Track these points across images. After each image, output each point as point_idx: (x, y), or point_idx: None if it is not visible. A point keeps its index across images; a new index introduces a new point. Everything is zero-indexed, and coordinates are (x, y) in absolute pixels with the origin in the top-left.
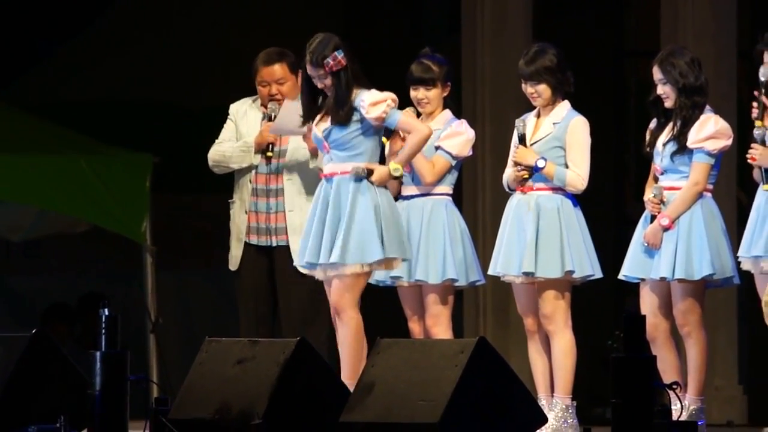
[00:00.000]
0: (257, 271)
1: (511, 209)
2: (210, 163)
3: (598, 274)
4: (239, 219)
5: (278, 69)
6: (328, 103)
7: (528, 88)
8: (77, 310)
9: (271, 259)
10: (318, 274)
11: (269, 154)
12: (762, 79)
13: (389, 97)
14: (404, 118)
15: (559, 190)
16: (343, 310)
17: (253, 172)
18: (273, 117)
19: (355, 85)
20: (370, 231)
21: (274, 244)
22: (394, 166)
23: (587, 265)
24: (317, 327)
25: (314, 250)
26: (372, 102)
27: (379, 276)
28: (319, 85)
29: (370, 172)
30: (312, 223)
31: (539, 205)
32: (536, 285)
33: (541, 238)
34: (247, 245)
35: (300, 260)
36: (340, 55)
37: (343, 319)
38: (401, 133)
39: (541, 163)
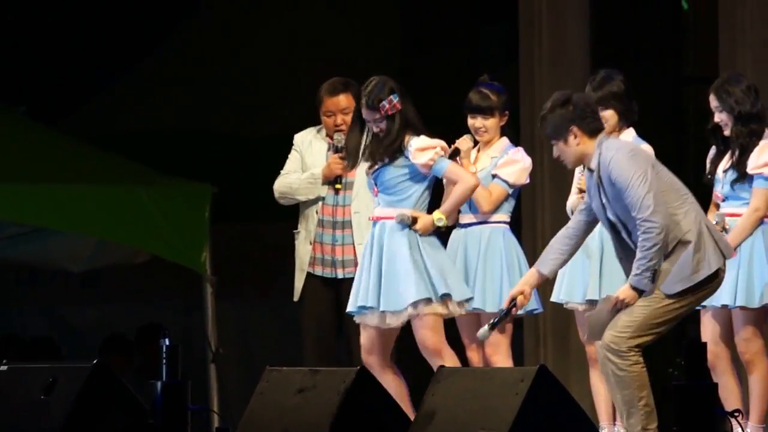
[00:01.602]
0: (322, 302)
1: None
2: (276, 194)
3: None
4: (303, 250)
5: (343, 99)
6: (377, 144)
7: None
8: (136, 341)
9: (338, 291)
10: (370, 321)
11: (338, 186)
12: None
13: (438, 144)
14: (452, 167)
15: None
16: (439, 353)
17: (320, 203)
18: (339, 148)
19: (411, 130)
20: (411, 274)
21: (341, 276)
22: (438, 216)
23: None
24: None
25: (363, 295)
26: (419, 147)
27: None
28: (375, 129)
29: (414, 220)
30: (361, 268)
31: (603, 232)
32: None
33: (605, 265)
34: (309, 276)
35: (352, 307)
36: (395, 99)
37: (445, 359)
38: (459, 161)
39: None
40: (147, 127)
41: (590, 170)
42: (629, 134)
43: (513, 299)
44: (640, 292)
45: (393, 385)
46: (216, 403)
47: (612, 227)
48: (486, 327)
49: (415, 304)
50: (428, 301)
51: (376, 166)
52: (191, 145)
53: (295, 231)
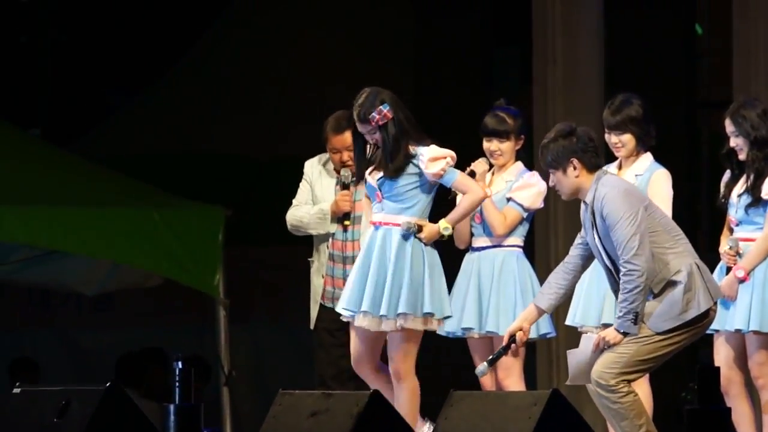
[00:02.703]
0: (333, 331)
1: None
2: (289, 226)
3: None
4: (316, 282)
5: (348, 136)
6: (378, 155)
7: (612, 138)
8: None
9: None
10: (359, 322)
11: (347, 222)
12: None
13: (449, 154)
14: (461, 178)
15: None
16: (405, 377)
17: (330, 238)
18: (346, 184)
19: (407, 137)
20: (417, 284)
21: None
22: (444, 225)
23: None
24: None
25: (358, 298)
26: (432, 158)
27: (450, 328)
28: (371, 141)
29: (419, 229)
30: (357, 271)
31: None
32: None
33: None
34: (322, 307)
35: (344, 307)
36: (385, 109)
37: (403, 385)
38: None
39: None
40: (160, 150)
41: (585, 204)
42: (647, 159)
43: (512, 336)
44: (624, 334)
45: (388, 387)
46: (229, 426)
47: (604, 262)
48: (485, 363)
49: (404, 315)
50: (414, 315)
51: (382, 175)
52: (204, 167)
53: (309, 259)
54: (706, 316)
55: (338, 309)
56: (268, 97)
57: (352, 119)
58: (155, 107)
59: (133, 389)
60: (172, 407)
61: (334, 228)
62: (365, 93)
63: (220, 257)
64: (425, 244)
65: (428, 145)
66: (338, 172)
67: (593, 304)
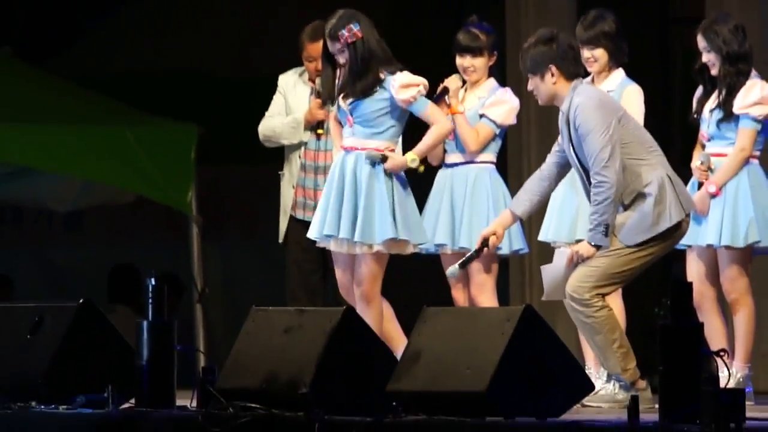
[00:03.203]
0: (305, 245)
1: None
2: (260, 137)
3: None
4: (287, 193)
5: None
6: (349, 78)
7: (585, 53)
8: (110, 281)
9: None
10: (333, 246)
11: (320, 131)
12: None
13: (421, 82)
14: (430, 108)
15: None
16: (372, 299)
17: (303, 147)
18: (320, 92)
19: (377, 60)
20: (385, 212)
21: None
22: (411, 157)
23: None
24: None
25: (333, 224)
26: (403, 84)
27: (423, 244)
28: (340, 61)
29: (384, 159)
30: (329, 195)
31: None
32: None
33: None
34: (293, 219)
35: (317, 233)
36: (356, 28)
37: (371, 308)
38: (447, 100)
39: None
40: (133, 68)
41: (561, 111)
42: (619, 75)
43: (485, 239)
44: (596, 247)
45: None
46: (202, 343)
47: (579, 171)
48: (456, 265)
49: (385, 242)
50: (391, 239)
51: (352, 98)
52: (177, 86)
53: (280, 173)
54: (678, 228)
55: (310, 235)
56: (241, 16)
57: None
58: (129, 25)
59: (124, 305)
60: (145, 323)
61: (307, 137)
62: (339, 12)
63: (193, 174)
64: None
65: (401, 71)
66: (313, 81)
67: (566, 219)
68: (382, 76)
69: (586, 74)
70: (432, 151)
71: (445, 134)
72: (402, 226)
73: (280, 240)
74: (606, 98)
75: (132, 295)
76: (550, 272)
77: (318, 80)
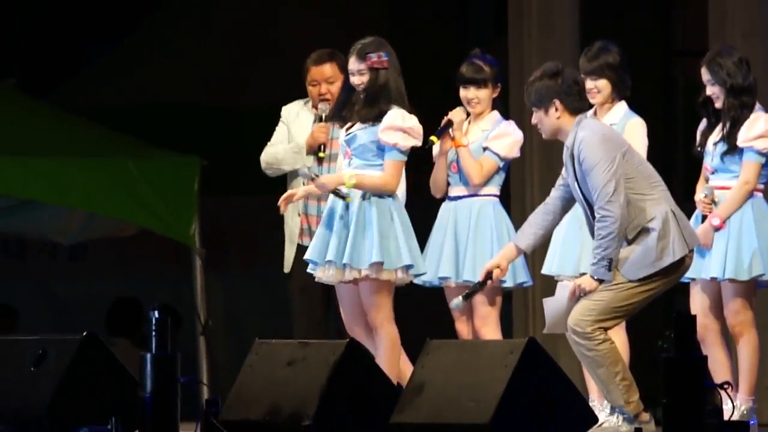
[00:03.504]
0: (311, 274)
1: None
2: (262, 165)
3: None
4: (292, 221)
5: (328, 68)
6: (359, 104)
7: (588, 83)
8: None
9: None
10: (320, 273)
11: (321, 155)
12: None
13: (413, 133)
14: (392, 165)
15: None
16: (381, 327)
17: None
18: (323, 117)
19: (391, 95)
20: (388, 236)
21: None
22: (349, 174)
23: None
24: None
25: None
26: (391, 125)
27: (427, 277)
28: (356, 81)
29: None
30: (323, 226)
31: None
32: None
33: None
34: (300, 247)
35: (318, 258)
36: (385, 57)
37: (381, 334)
38: (451, 132)
39: None
40: (136, 100)
41: (566, 146)
42: (621, 107)
43: (489, 273)
44: (599, 281)
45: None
46: (206, 375)
47: (583, 205)
48: (459, 297)
49: (375, 265)
50: (386, 265)
51: (353, 129)
52: (180, 117)
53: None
54: (682, 264)
55: (306, 258)
56: (244, 47)
57: (333, 54)
58: (131, 58)
59: (125, 338)
60: (148, 356)
61: (310, 162)
62: (372, 37)
63: (196, 207)
64: (362, 198)
65: (405, 111)
66: (316, 107)
67: (570, 253)
68: (384, 107)
69: (590, 107)
70: (362, 189)
71: (383, 190)
72: (407, 253)
73: (286, 269)
74: (610, 133)
75: (132, 327)
76: (552, 305)
77: (320, 105)
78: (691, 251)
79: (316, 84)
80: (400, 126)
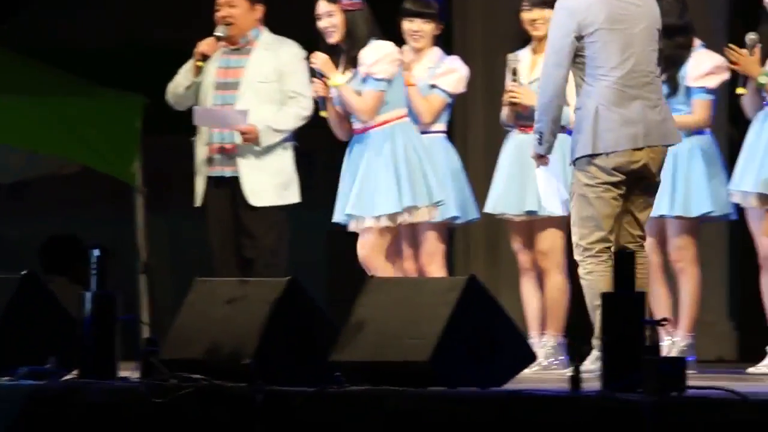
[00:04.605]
0: (224, 203)
1: (511, 148)
2: (167, 97)
3: None
4: (200, 152)
5: None
6: (343, 51)
7: (534, 14)
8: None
9: (233, 189)
10: (356, 226)
11: (199, 64)
12: None
13: (393, 61)
14: (372, 94)
15: (562, 128)
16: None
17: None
18: (220, 37)
19: (369, 35)
20: (387, 183)
21: (228, 175)
22: (341, 78)
23: None
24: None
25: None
26: (379, 60)
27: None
28: (323, 24)
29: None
30: (344, 179)
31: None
32: (535, 222)
33: (545, 175)
34: (209, 179)
35: (340, 216)
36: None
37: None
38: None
39: None
40: (78, 40)
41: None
42: None
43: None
44: (537, 156)
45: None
46: (146, 314)
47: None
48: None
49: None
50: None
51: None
52: (125, 57)
53: (192, 139)
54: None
55: (336, 220)
56: None
57: None
58: None
59: (59, 275)
60: (88, 294)
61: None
62: None
63: (138, 145)
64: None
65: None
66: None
67: (514, 190)
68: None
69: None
70: (342, 98)
71: (356, 112)
72: (437, 188)
73: (197, 203)
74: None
75: (68, 265)
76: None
77: (219, 27)
78: (608, 155)
79: (218, 9)
80: (389, 58)
